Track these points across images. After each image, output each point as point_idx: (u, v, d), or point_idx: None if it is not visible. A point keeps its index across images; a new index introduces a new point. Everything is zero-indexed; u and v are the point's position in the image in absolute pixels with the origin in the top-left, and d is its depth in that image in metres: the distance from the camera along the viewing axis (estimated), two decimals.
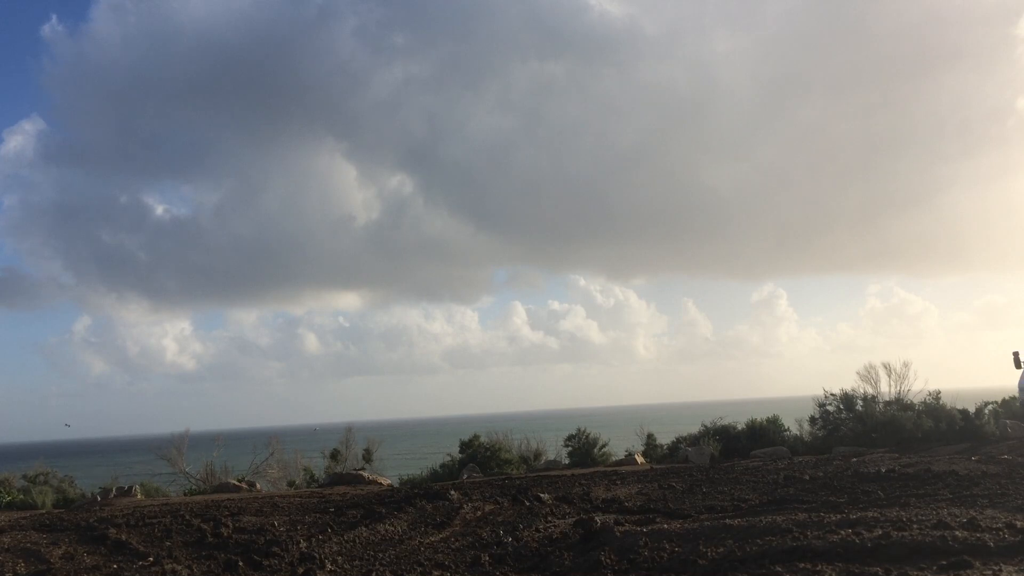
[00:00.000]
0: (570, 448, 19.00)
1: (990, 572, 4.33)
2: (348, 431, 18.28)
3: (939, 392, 19.23)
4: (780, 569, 4.73)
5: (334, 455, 17.89)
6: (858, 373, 20.18)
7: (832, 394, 19.39)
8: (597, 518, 6.75)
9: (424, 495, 9.15)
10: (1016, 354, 17.76)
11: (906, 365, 19.91)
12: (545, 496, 8.95)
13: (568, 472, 15.41)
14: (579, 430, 19.21)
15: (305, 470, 17.90)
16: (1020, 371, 17.91)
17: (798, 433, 19.04)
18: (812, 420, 19.41)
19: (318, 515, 8.67)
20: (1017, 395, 18.35)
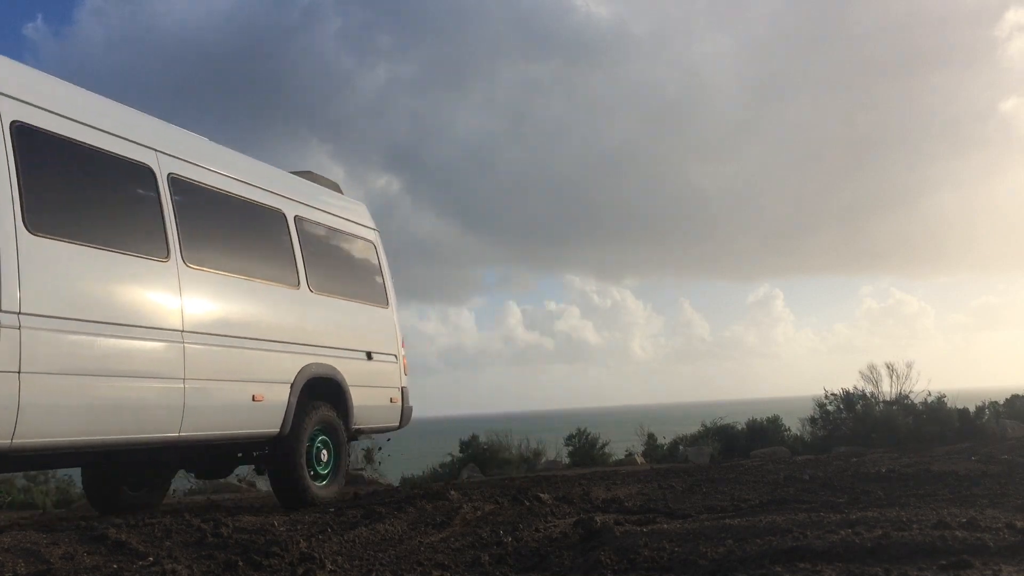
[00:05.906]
0: (571, 448, 18.98)
1: (990, 572, 4.33)
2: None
3: (941, 393, 19.26)
4: (780, 569, 4.73)
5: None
6: (860, 372, 20.28)
7: (833, 394, 19.42)
8: (597, 518, 6.74)
9: (424, 495, 9.14)
10: None
11: (908, 365, 19.96)
12: (545, 496, 8.95)
13: (568, 472, 15.40)
14: (579, 430, 19.19)
15: None
16: None
17: (798, 433, 19.06)
18: (812, 420, 19.43)
19: (318, 515, 8.66)
20: None
